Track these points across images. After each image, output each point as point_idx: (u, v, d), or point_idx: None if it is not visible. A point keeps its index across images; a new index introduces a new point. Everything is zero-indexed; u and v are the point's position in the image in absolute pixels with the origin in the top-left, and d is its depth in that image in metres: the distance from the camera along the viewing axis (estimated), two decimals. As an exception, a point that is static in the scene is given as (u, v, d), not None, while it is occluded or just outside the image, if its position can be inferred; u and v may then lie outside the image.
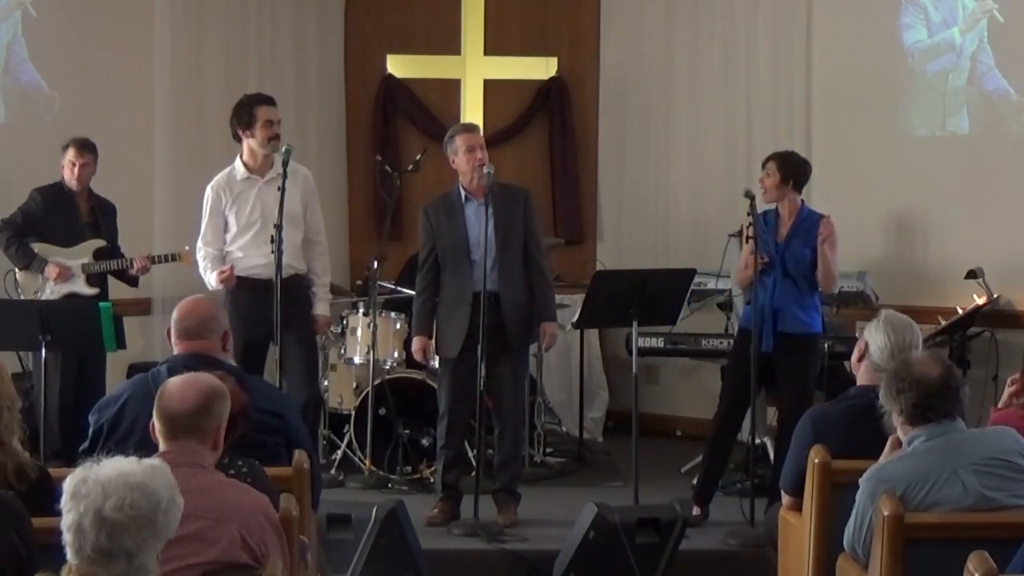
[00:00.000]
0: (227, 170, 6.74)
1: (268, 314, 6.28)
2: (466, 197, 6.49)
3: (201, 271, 6.74)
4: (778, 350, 6.47)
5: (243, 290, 6.58)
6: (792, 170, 6.63)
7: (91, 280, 7.20)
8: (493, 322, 6.28)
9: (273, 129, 6.62)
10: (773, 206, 6.66)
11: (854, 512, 3.98)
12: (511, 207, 6.43)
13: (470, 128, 6.72)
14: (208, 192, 6.73)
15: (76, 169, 7.17)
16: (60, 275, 7.10)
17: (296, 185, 6.64)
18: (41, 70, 8.12)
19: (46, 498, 3.50)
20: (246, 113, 6.64)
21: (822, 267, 6.54)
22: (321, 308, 6.75)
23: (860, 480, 3.96)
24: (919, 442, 3.91)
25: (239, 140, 6.70)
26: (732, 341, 7.05)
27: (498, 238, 6.36)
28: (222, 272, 6.56)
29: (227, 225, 6.69)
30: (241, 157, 6.71)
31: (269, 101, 6.71)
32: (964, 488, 3.82)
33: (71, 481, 2.70)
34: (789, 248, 6.55)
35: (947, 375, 3.92)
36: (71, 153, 7.19)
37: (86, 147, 7.21)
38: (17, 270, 7.19)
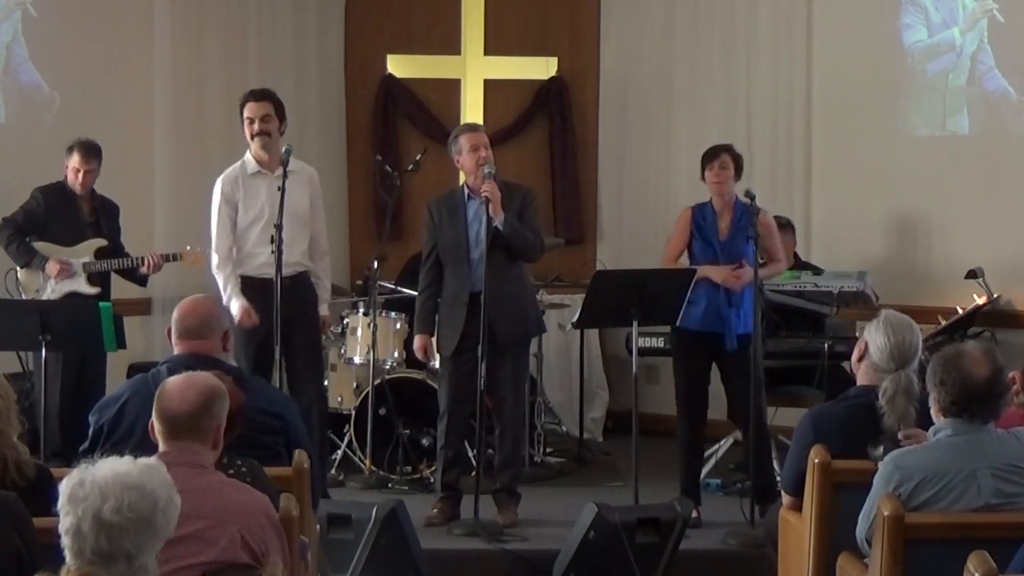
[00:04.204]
0: (237, 164, 6.68)
1: (281, 312, 6.29)
2: (469, 196, 6.49)
3: (221, 288, 6.61)
4: (724, 351, 6.48)
5: (253, 289, 6.56)
6: (740, 163, 6.68)
7: (92, 279, 7.19)
8: (485, 322, 6.25)
9: (254, 126, 6.54)
10: (707, 200, 6.64)
11: (870, 495, 3.96)
12: (509, 205, 6.41)
13: (474, 128, 6.71)
14: (216, 187, 6.65)
15: (80, 175, 7.15)
16: (61, 272, 7.09)
17: (302, 184, 6.63)
18: (41, 70, 8.12)
19: (45, 497, 3.50)
20: (240, 111, 6.63)
21: (771, 261, 6.63)
22: (325, 309, 6.75)
23: (880, 463, 3.95)
24: (944, 435, 3.89)
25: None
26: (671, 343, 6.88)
27: (488, 235, 6.33)
28: (244, 311, 6.47)
29: (236, 219, 6.65)
30: (251, 151, 6.66)
31: (253, 96, 6.62)
32: (978, 489, 3.81)
33: (67, 484, 2.69)
34: (732, 244, 6.52)
35: (994, 379, 3.86)
36: (76, 159, 7.14)
37: (91, 153, 7.16)
38: (18, 268, 7.19)
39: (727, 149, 6.67)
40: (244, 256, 6.62)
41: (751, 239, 6.33)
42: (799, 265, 7.83)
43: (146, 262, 7.20)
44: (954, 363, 3.87)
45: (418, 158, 7.83)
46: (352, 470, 7.42)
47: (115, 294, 7.27)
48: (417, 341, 6.60)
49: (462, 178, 6.86)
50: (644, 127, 9.18)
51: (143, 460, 2.77)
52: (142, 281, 7.41)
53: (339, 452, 7.51)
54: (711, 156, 6.63)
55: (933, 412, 3.96)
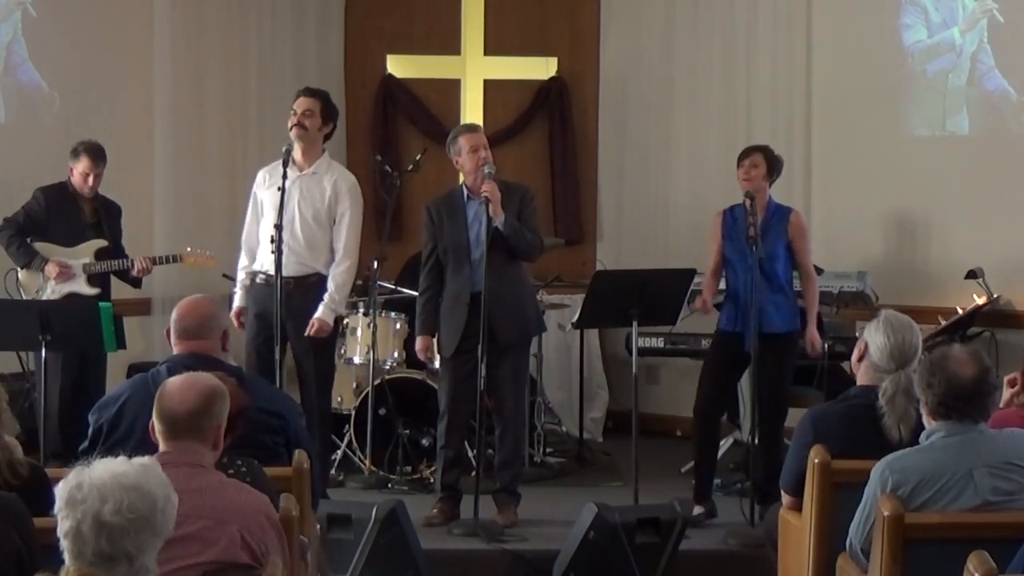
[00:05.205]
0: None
1: (284, 313, 6.30)
2: (468, 196, 6.49)
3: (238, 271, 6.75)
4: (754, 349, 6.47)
5: (262, 287, 6.57)
6: (776, 165, 6.67)
7: (92, 280, 7.19)
8: (486, 323, 6.23)
9: (294, 118, 6.59)
10: (741, 202, 6.61)
11: (863, 501, 3.96)
12: (508, 205, 6.40)
13: (473, 128, 6.72)
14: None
15: (91, 179, 7.17)
16: (60, 274, 7.10)
17: (324, 186, 6.63)
18: (41, 70, 8.11)
19: (39, 496, 3.50)
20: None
21: (800, 265, 6.63)
22: (320, 311, 6.54)
23: (872, 468, 3.94)
24: (937, 437, 3.88)
25: None
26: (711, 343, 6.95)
27: (488, 236, 6.32)
28: (234, 312, 6.59)
29: (262, 213, 6.68)
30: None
31: (303, 92, 6.69)
32: (975, 489, 3.80)
33: (64, 487, 2.68)
34: (760, 246, 6.53)
35: (981, 378, 3.85)
36: (86, 164, 7.14)
37: (100, 156, 7.18)
38: (19, 269, 7.19)
39: (761, 149, 6.69)
40: (261, 252, 6.63)
41: (753, 239, 6.33)
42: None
43: (135, 266, 7.20)
44: (940, 365, 3.87)
45: (418, 158, 7.83)
46: (352, 470, 7.41)
47: (115, 294, 7.28)
48: (419, 342, 6.60)
49: (461, 178, 6.86)
50: (644, 127, 9.18)
51: (139, 460, 2.76)
52: (136, 283, 7.42)
53: (339, 452, 7.51)
54: (744, 155, 6.67)
55: (924, 417, 3.95)
